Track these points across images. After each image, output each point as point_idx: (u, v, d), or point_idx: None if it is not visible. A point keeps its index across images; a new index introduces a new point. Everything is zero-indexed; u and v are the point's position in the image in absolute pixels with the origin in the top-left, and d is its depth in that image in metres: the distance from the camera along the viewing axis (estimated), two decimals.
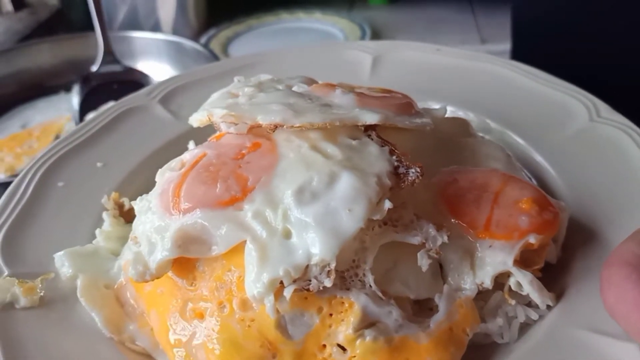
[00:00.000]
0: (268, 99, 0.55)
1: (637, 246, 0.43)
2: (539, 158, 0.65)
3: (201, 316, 0.46)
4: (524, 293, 0.48)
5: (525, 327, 0.49)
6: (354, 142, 0.51)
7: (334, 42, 0.88)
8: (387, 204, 0.45)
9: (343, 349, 0.45)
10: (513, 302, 0.49)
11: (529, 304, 0.49)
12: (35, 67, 1.20)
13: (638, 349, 0.42)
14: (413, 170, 0.49)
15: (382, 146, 0.51)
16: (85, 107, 1.02)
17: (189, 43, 1.21)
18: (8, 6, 1.30)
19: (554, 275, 0.52)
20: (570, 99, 0.69)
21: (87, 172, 0.67)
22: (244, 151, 0.51)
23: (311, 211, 0.45)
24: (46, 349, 0.48)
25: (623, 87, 0.87)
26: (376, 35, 1.39)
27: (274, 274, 0.43)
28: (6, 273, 0.53)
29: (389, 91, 0.63)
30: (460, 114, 0.72)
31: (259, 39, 1.45)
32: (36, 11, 1.32)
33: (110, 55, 1.05)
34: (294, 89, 0.60)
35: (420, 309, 0.49)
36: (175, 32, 1.36)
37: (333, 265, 0.43)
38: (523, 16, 1.08)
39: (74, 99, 1.04)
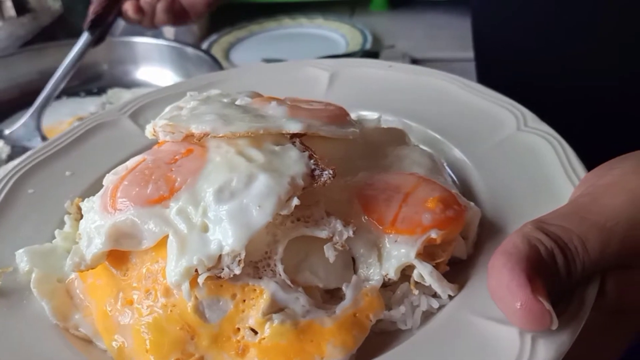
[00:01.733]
0: (207, 110, 0.61)
1: (518, 237, 0.47)
2: (468, 164, 0.69)
3: (131, 303, 0.52)
4: (426, 284, 0.53)
5: (429, 315, 0.53)
6: (277, 148, 0.56)
7: (294, 60, 0.94)
8: (295, 201, 0.50)
9: (254, 331, 0.49)
10: (416, 292, 0.53)
11: (435, 294, 0.54)
12: (37, 73, 1.19)
13: (517, 331, 0.46)
14: (327, 172, 0.54)
15: (303, 151, 0.56)
16: None
17: (190, 49, 1.24)
18: (10, 11, 1.31)
19: (463, 269, 0.56)
20: (501, 110, 0.73)
21: (56, 180, 0.73)
22: (177, 157, 0.57)
23: (227, 208, 0.50)
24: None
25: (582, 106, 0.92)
26: (377, 40, 1.43)
27: (189, 262, 0.48)
28: None
29: (327, 103, 0.69)
30: (412, 124, 0.76)
31: (260, 44, 1.48)
32: (38, 16, 1.33)
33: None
34: (237, 102, 0.66)
35: (332, 298, 0.53)
36: (177, 37, 1.39)
37: (243, 255, 0.49)
38: (483, 34, 1.13)
39: None
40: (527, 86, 0.76)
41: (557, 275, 0.46)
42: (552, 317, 0.43)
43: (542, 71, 1.04)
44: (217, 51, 1.39)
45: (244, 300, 0.50)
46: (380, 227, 0.54)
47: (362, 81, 0.87)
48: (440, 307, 0.53)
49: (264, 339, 0.49)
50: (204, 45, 1.40)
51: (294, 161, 0.54)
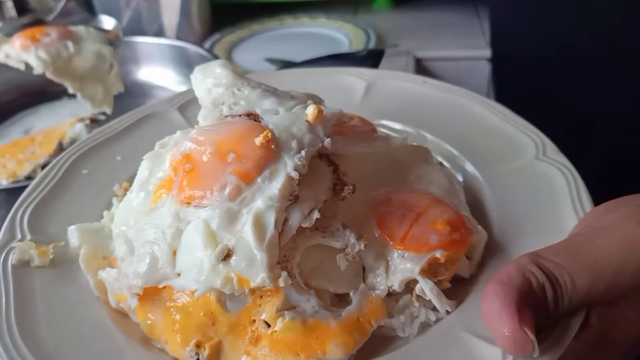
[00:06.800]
0: None
1: (513, 268, 0.52)
2: (484, 184, 0.73)
3: (164, 287, 0.59)
4: (427, 298, 0.58)
5: (426, 326, 0.58)
6: None
7: (333, 68, 0.98)
8: (316, 214, 0.56)
9: (268, 324, 0.56)
10: (417, 304, 0.58)
11: (434, 308, 0.59)
12: (36, 74, 1.12)
13: (501, 352, 0.51)
14: (347, 187, 0.59)
15: (329, 166, 0.62)
16: None
17: (192, 48, 1.22)
18: (11, 11, 1.27)
19: (464, 287, 0.61)
20: (523, 136, 0.77)
21: (108, 164, 0.81)
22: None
23: None
24: (49, 299, 0.62)
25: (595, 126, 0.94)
26: (381, 39, 1.39)
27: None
28: (28, 238, 0.68)
29: (358, 118, 0.74)
30: (436, 140, 0.81)
31: (263, 44, 1.44)
32: (39, 17, 1.28)
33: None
34: None
35: (340, 302, 0.59)
36: (178, 37, 1.36)
37: None
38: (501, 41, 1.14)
39: None
40: (544, 96, 0.79)
41: (545, 308, 0.50)
42: (534, 346, 0.48)
43: (560, 83, 1.04)
44: (219, 51, 1.35)
45: (262, 296, 0.57)
46: (391, 243, 0.60)
47: (397, 94, 0.91)
48: (437, 320, 0.58)
49: (275, 331, 0.56)
50: (206, 45, 1.37)
51: (320, 175, 0.60)
